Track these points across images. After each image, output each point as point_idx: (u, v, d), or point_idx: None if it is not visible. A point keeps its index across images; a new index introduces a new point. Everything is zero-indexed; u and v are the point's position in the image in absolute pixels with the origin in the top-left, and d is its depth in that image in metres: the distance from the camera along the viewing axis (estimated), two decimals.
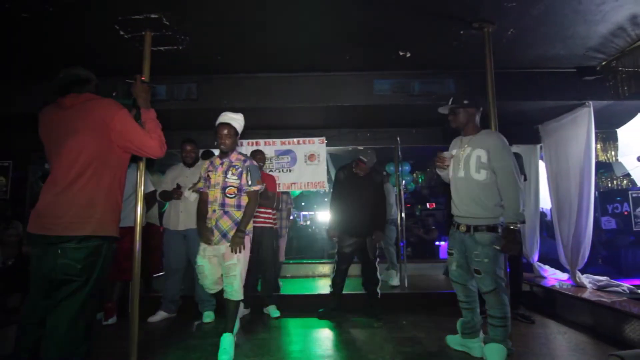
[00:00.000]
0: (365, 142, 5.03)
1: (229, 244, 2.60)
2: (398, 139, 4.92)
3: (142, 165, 2.55)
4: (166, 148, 1.96)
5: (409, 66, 3.72)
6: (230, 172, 2.68)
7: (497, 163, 2.36)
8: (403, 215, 4.91)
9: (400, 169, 5.21)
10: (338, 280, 3.68)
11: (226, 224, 2.64)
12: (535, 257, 4.61)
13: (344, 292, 3.82)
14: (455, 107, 2.55)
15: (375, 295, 3.69)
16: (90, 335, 1.70)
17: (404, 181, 5.90)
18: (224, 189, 2.66)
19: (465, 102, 2.53)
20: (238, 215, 2.66)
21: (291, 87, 3.90)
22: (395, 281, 4.77)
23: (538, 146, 4.72)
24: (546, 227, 5.97)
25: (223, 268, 2.64)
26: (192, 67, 3.67)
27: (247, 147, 4.79)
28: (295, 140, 4.85)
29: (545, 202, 4.78)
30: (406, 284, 4.67)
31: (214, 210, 2.66)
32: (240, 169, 2.69)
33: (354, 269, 4.29)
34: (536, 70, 3.74)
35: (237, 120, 2.71)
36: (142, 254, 2.50)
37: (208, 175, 2.74)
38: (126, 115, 1.82)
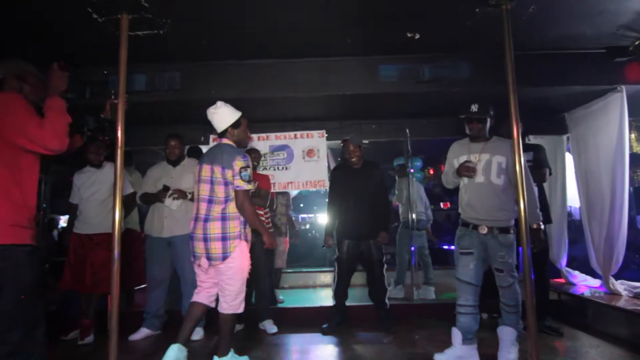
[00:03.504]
0: (371, 135, 5.02)
1: None
2: (407, 131, 4.91)
3: (119, 164, 2.54)
4: (67, 142, 1.93)
5: (418, 49, 3.70)
6: None
7: (511, 170, 2.71)
8: (414, 216, 4.90)
9: (410, 164, 5.20)
10: (340, 291, 3.69)
11: None
12: (563, 261, 4.60)
13: (349, 303, 3.82)
14: (482, 116, 2.87)
15: (384, 307, 3.69)
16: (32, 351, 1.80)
17: (414, 178, 5.88)
18: None
19: (491, 112, 2.90)
20: None
21: (286, 74, 3.89)
22: (431, 295, 4.75)
23: (564, 137, 4.71)
24: (575, 228, 5.96)
25: None
26: (175, 53, 3.66)
27: None
28: (291, 134, 4.84)
29: (573, 200, 4.77)
30: (416, 293, 4.67)
31: None
32: None
33: (360, 277, 4.30)
34: (561, 51, 3.72)
35: None
36: (122, 264, 2.50)
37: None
38: (15, 105, 1.85)
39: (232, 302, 2.69)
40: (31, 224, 1.91)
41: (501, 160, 2.81)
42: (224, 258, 2.61)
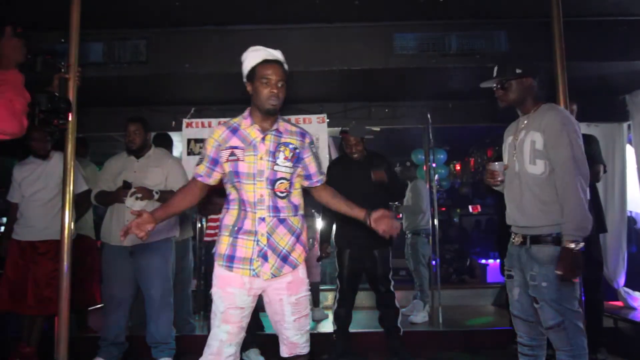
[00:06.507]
0: (383, 120, 5.03)
1: (293, 269, 2.24)
2: (429, 116, 4.92)
3: (70, 154, 2.55)
4: (25, 124, 1.93)
5: (443, 14, 3.71)
6: (281, 154, 2.21)
7: (551, 151, 2.31)
8: (436, 222, 4.92)
9: (431, 158, 5.21)
10: (342, 313, 3.71)
11: (285, 240, 2.20)
12: (621, 280, 4.61)
13: (353, 329, 3.85)
14: (503, 79, 2.48)
15: (397, 333, 3.71)
16: None
17: (437, 175, 5.89)
18: (273, 182, 2.18)
19: (518, 71, 2.46)
20: (297, 224, 2.26)
21: (278, 44, 3.81)
22: (421, 317, 4.78)
23: (625, 125, 4.72)
24: (636, 238, 5.97)
25: (286, 307, 2.29)
26: (140, 17, 3.66)
27: None
28: (284, 119, 4.84)
29: (635, 203, 4.78)
30: (440, 318, 4.69)
31: (262, 219, 2.16)
32: (296, 150, 2.26)
33: (366, 299, 4.30)
34: (622, 18, 3.72)
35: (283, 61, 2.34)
36: (73, 279, 2.51)
37: (232, 154, 2.18)
38: None
39: None
40: None
41: (535, 138, 2.34)
42: None
